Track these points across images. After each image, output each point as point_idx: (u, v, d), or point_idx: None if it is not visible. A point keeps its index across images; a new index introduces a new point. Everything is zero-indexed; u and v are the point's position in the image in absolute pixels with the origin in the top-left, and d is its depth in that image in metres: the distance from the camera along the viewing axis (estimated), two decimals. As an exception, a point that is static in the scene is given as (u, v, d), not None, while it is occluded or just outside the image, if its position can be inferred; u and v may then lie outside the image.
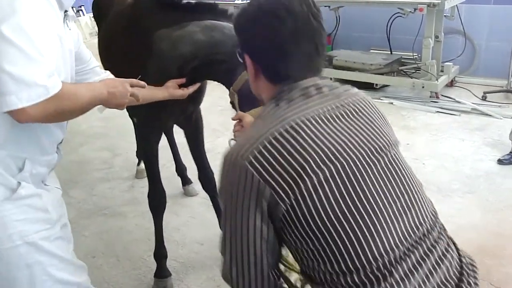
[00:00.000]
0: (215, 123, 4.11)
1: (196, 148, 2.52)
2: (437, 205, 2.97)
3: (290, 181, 1.01)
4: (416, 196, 1.14)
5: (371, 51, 5.56)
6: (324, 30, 1.17)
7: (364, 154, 1.08)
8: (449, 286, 1.07)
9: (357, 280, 1.03)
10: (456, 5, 4.73)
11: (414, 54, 5.07)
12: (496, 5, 4.98)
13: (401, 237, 1.06)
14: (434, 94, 4.69)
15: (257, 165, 1.02)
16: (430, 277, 1.06)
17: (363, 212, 1.03)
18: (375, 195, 1.06)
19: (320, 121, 1.07)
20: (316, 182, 1.01)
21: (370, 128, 1.13)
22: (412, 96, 4.83)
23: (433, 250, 1.11)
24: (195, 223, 2.91)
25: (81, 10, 8.17)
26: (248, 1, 1.20)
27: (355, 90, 1.23)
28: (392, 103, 4.67)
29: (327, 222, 1.02)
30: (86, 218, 3.03)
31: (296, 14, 1.10)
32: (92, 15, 2.92)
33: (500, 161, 3.38)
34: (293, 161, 1.01)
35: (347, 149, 1.06)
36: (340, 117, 1.11)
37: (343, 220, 1.02)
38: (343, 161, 1.04)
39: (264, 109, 1.15)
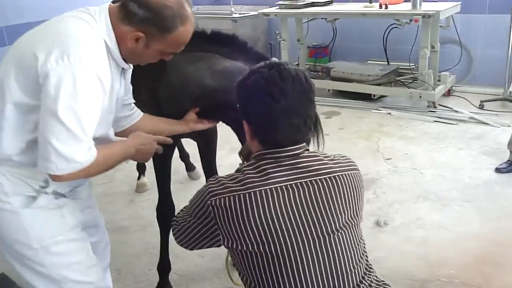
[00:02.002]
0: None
1: (207, 160, 2.55)
2: (436, 214, 3.01)
3: (234, 234, 1.29)
4: (345, 274, 1.31)
5: (368, 62, 5.60)
6: (313, 103, 1.36)
7: (304, 235, 1.27)
8: None
9: None
10: (452, 15, 4.78)
11: (411, 64, 5.11)
12: (491, 15, 5.02)
13: None
14: (432, 104, 4.71)
15: (215, 208, 1.30)
16: None
17: (289, 279, 1.27)
18: (301, 268, 1.27)
19: (277, 194, 1.28)
20: (253, 245, 1.27)
21: (323, 210, 1.29)
22: (410, 106, 4.86)
23: None
24: (195, 236, 2.92)
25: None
26: (248, 72, 1.37)
27: (340, 164, 1.38)
28: (390, 113, 4.70)
29: (258, 275, 1.30)
30: (87, 233, 3.03)
31: (288, 94, 1.28)
32: None
33: (498, 170, 3.40)
34: (240, 223, 1.27)
35: (290, 229, 1.27)
36: (298, 194, 1.29)
37: (270, 281, 1.28)
38: (282, 239, 1.26)
39: (247, 164, 1.37)
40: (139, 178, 3.55)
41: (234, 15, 6.09)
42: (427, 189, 3.24)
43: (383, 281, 1.45)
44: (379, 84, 4.96)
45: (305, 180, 1.30)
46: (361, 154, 3.79)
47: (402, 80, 5.09)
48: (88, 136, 1.37)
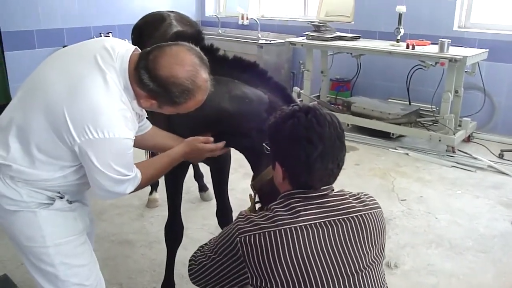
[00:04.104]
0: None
1: (219, 185, 2.51)
2: (449, 262, 2.92)
3: (264, 273, 1.27)
4: None
5: (390, 100, 5.58)
6: (345, 147, 1.38)
7: (333, 273, 1.26)
8: None
9: None
10: (478, 62, 4.76)
11: (433, 106, 5.08)
12: (517, 65, 5.00)
13: None
14: (451, 148, 4.66)
15: (244, 246, 1.30)
16: None
17: None
18: None
19: (306, 233, 1.27)
20: (282, 284, 1.25)
21: (350, 248, 1.30)
22: (428, 148, 4.81)
23: None
24: (201, 258, 2.87)
25: (108, 36, 8.39)
26: (282, 115, 1.37)
27: (365, 203, 1.38)
28: (407, 153, 4.65)
29: None
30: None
31: (325, 139, 1.31)
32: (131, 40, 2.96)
33: (515, 222, 3.32)
34: (270, 261, 1.26)
35: (320, 267, 1.26)
36: (327, 232, 1.29)
37: None
38: (312, 278, 1.25)
39: (276, 203, 1.37)
40: (151, 193, 3.53)
41: (260, 41, 6.16)
42: (441, 235, 3.17)
43: None
44: (399, 124, 4.92)
45: (333, 218, 1.31)
46: (375, 192, 3.74)
47: (423, 122, 5.05)
48: (130, 172, 1.57)
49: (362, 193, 1.45)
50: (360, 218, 1.33)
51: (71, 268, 1.65)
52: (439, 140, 4.66)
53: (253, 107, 1.82)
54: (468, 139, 4.98)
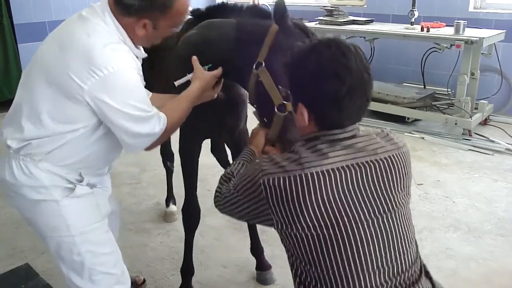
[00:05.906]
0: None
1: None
2: (468, 245, 2.90)
3: (289, 217, 1.22)
4: (402, 253, 1.28)
5: (404, 84, 5.52)
6: (372, 80, 1.28)
7: (362, 215, 1.23)
8: None
9: None
10: (494, 43, 4.68)
11: (448, 90, 5.01)
12: (535, 45, 4.90)
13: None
14: (467, 132, 4.60)
15: (268, 188, 1.24)
16: None
17: (350, 260, 1.22)
18: (361, 249, 1.22)
19: (334, 176, 1.21)
20: (309, 228, 1.21)
21: (379, 190, 1.25)
22: (444, 132, 4.75)
23: None
24: (219, 246, 2.89)
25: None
26: (300, 51, 1.28)
27: (392, 141, 1.33)
28: (423, 138, 4.60)
29: (313, 256, 1.23)
30: (111, 232, 3.03)
31: (353, 72, 1.21)
32: None
33: (534, 205, 3.28)
34: (296, 205, 1.20)
35: (348, 210, 1.21)
36: (355, 175, 1.23)
37: (328, 262, 1.22)
38: (340, 221, 1.21)
39: (301, 144, 1.29)
40: (167, 205, 3.27)
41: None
42: (459, 219, 3.15)
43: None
44: (414, 108, 4.87)
45: (361, 160, 1.25)
46: (392, 177, 3.71)
47: (438, 105, 4.99)
48: (151, 109, 1.55)
49: (388, 130, 1.39)
50: (389, 159, 1.28)
51: (97, 257, 1.66)
52: (455, 124, 4.60)
53: (222, 30, 1.84)
54: (484, 122, 4.92)
